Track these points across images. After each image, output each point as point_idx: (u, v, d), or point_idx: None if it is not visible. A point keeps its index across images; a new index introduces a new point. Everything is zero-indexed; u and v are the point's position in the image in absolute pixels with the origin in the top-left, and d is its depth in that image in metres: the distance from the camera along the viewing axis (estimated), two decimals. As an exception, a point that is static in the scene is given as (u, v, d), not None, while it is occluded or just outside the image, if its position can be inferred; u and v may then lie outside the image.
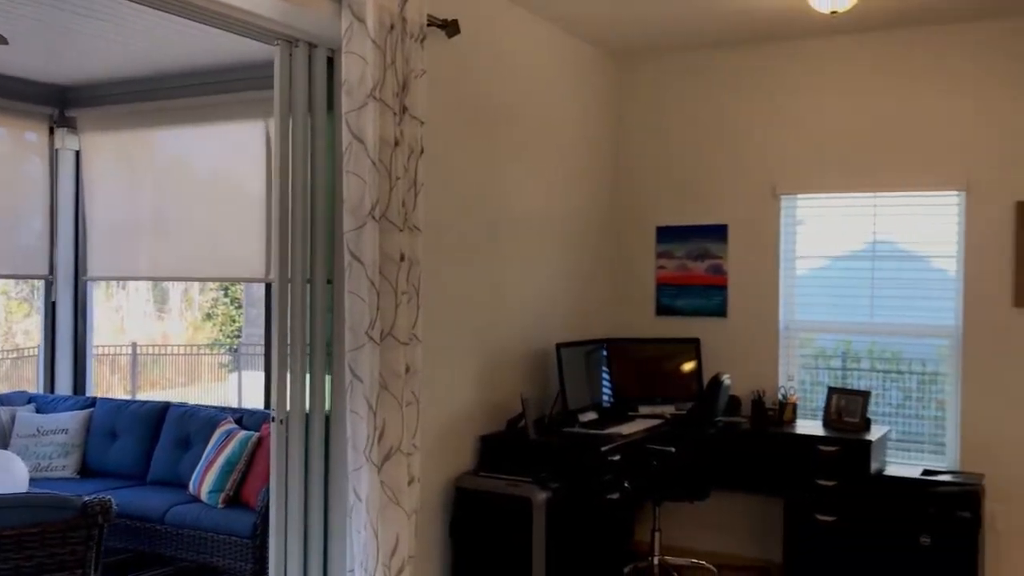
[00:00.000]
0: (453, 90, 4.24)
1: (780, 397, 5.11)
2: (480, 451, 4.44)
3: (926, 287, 5.00)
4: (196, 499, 4.94)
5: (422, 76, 3.67)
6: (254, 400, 9.60)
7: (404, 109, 3.58)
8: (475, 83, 4.41)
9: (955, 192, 4.89)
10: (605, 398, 5.20)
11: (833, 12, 4.15)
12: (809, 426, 4.94)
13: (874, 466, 4.61)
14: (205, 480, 4.91)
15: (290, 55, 3.62)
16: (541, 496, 4.03)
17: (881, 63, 5.05)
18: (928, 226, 5.00)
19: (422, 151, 3.68)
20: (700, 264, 5.54)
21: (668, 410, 5.18)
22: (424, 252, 3.87)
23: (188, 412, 5.49)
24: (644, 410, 5.17)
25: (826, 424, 4.92)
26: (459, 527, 4.19)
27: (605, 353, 5.23)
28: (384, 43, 3.45)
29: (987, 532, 4.65)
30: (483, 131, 4.49)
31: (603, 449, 4.23)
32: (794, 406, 5.05)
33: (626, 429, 4.63)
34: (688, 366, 5.36)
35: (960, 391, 4.87)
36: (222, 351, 14.01)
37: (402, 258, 3.52)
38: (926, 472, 4.67)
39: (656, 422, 4.90)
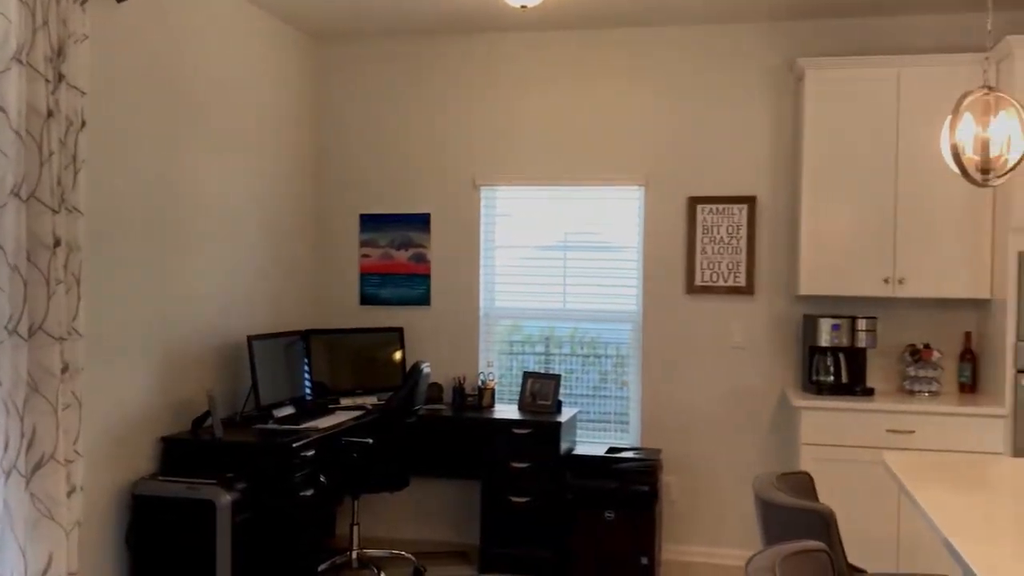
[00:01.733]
0: (127, 62, 3.87)
1: (479, 383, 5.20)
2: (162, 454, 4.11)
3: (613, 276, 5.30)
4: None
5: (83, 42, 3.31)
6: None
7: (60, 77, 3.20)
8: (153, 56, 4.06)
9: (636, 187, 5.22)
10: (306, 392, 5.03)
11: (523, 7, 4.24)
12: (506, 410, 5.06)
13: (564, 446, 4.81)
14: None
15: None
16: (226, 498, 3.80)
17: (572, 60, 5.27)
18: (614, 218, 5.29)
19: (83, 124, 3.31)
20: (404, 253, 5.52)
21: (370, 401, 5.11)
22: (89, 238, 3.50)
23: None
24: (346, 402, 5.07)
25: (521, 408, 5.08)
26: (136, 536, 3.86)
27: (305, 345, 5.06)
28: (33, 1, 3.07)
29: (663, 503, 5.02)
30: (164, 109, 4.15)
31: (296, 445, 4.07)
32: (492, 391, 5.16)
33: (324, 423, 4.50)
34: (392, 356, 5.31)
35: (640, 372, 5.21)
36: None
37: (57, 243, 3.15)
38: (611, 450, 4.94)
39: (356, 414, 4.81)
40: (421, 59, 5.47)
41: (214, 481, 3.86)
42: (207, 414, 4.22)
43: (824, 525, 2.51)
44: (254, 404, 4.50)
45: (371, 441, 4.54)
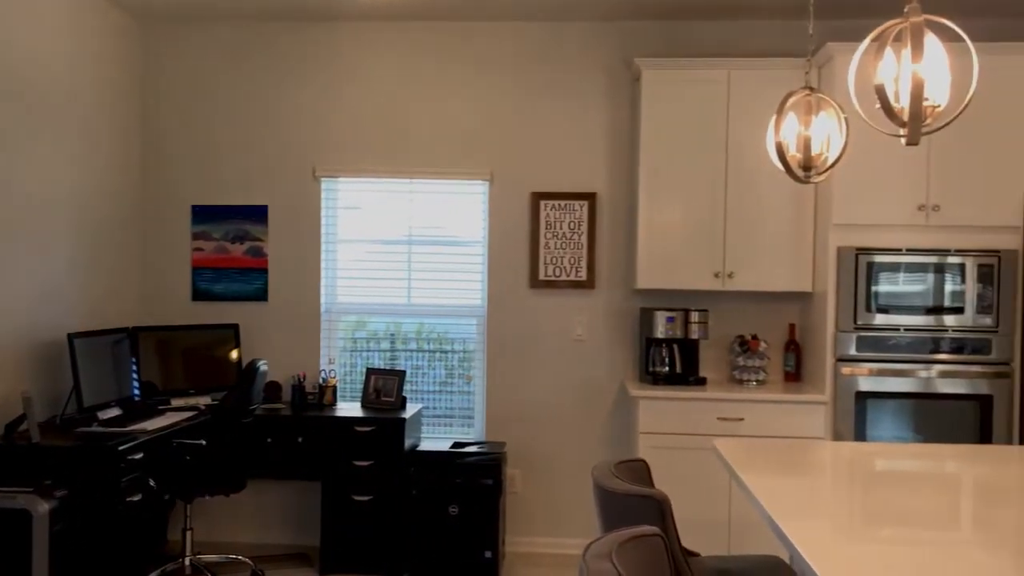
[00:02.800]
0: (-76, 33, 3.54)
1: (320, 381, 5.07)
2: (-31, 462, 3.79)
3: (459, 271, 5.28)
4: None
5: None
6: None
7: None
8: (-43, 28, 3.73)
9: (481, 181, 5.22)
10: (134, 392, 4.76)
11: (364, -5, 4.16)
12: (349, 408, 4.96)
13: (408, 442, 4.76)
14: None
15: None
16: (43, 507, 3.54)
17: (418, 52, 5.22)
18: (460, 212, 5.28)
19: None
20: (240, 246, 5.31)
21: (204, 401, 4.90)
22: None
23: None
24: (178, 402, 4.83)
25: (364, 405, 4.99)
26: (-62, 554, 3.54)
27: (132, 343, 4.78)
28: None
29: (507, 495, 5.05)
30: (-31, 86, 3.82)
31: (122, 448, 3.83)
32: (334, 389, 5.05)
33: (153, 424, 4.26)
34: (227, 354, 5.10)
35: (486, 367, 5.22)
36: None
37: None
38: (456, 445, 4.93)
39: (189, 414, 4.59)
40: (256, 45, 5.28)
41: (30, 489, 3.59)
42: (22, 417, 3.92)
43: (659, 511, 2.57)
44: (76, 406, 4.22)
45: (204, 443, 4.35)
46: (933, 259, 4.41)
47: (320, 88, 5.26)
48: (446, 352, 5.34)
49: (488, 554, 4.63)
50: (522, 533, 5.18)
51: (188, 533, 4.55)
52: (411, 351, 5.34)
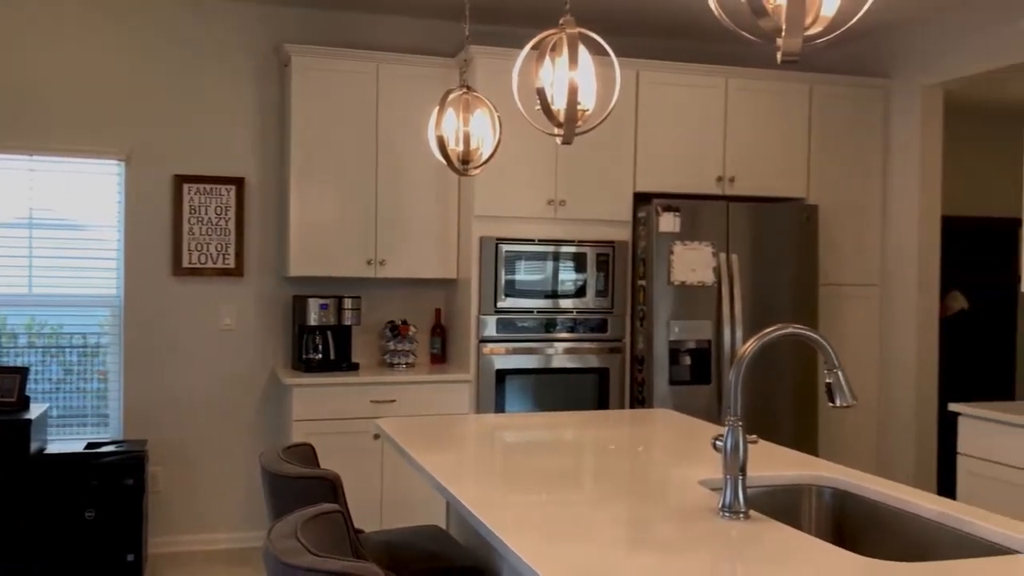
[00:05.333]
0: None
1: (-80, 383, 4.42)
2: None
3: (88, 257, 4.87)
4: None
5: None
6: None
7: None
8: None
9: (116, 161, 4.87)
10: None
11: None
12: (-42, 412, 4.38)
13: (34, 445, 4.32)
14: None
15: None
16: None
17: (41, 12, 4.72)
18: (90, 194, 4.87)
19: None
20: None
21: None
22: None
23: None
24: None
25: (-22, 408, 4.44)
26: None
27: None
28: None
29: (150, 495, 4.78)
30: None
31: None
32: (-62, 392, 4.43)
33: None
34: None
35: (123, 361, 4.89)
36: None
37: None
38: (90, 445, 4.57)
39: None
40: None
41: None
42: None
43: (332, 489, 2.63)
44: None
45: None
46: (560, 248, 4.91)
47: (-85, 46, 4.57)
48: (63, 347, 4.91)
49: (131, 557, 4.36)
50: (168, 532, 4.93)
51: None
52: (22, 347, 4.83)
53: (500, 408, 4.81)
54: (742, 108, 5.18)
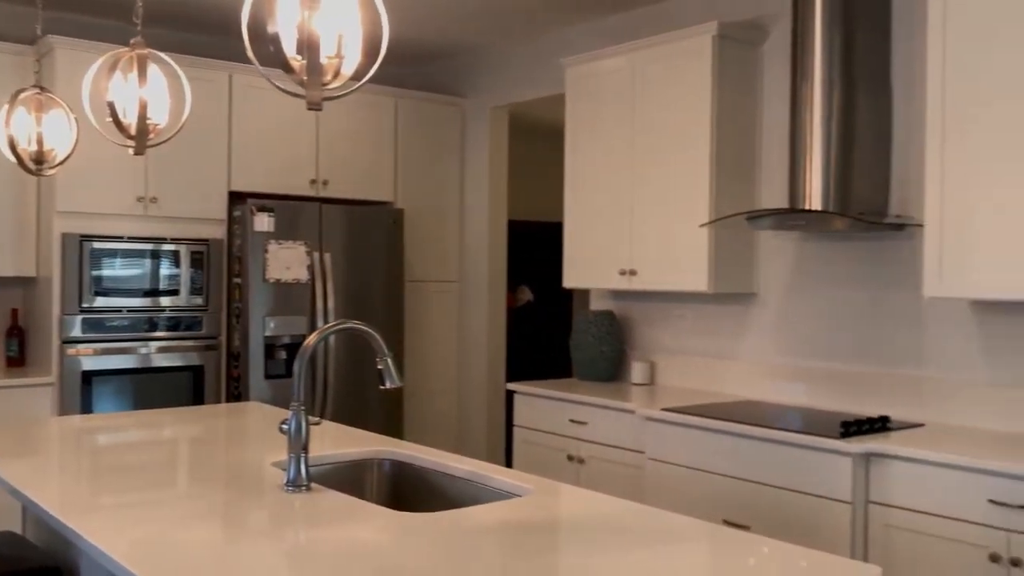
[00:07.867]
0: None
1: None
2: None
3: None
4: None
5: None
6: None
7: None
8: None
9: None
10: None
11: None
12: None
13: None
14: None
15: None
16: None
17: None
18: None
19: None
20: None
21: None
22: None
23: None
24: None
25: None
26: None
27: None
28: None
29: None
30: None
31: None
32: None
33: None
34: None
35: None
36: None
37: None
38: None
39: None
40: None
41: None
42: None
43: None
44: None
45: None
46: (151, 246, 4.88)
47: None
48: None
49: None
50: None
51: None
52: None
53: (87, 411, 4.68)
54: (334, 117, 5.51)
